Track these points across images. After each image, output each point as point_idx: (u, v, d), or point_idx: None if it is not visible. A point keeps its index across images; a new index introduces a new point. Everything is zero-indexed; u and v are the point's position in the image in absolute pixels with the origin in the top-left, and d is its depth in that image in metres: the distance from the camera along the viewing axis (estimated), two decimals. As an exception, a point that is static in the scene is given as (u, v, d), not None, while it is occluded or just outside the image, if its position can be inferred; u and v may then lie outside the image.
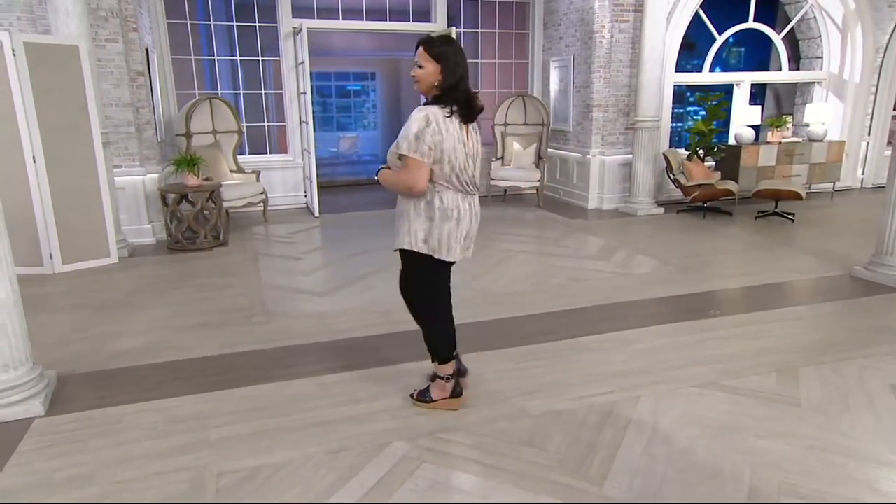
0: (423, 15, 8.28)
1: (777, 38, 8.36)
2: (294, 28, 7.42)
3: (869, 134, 8.74)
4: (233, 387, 3.05)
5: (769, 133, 8.02)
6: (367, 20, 8.11)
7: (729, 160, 7.54)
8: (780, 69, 8.59)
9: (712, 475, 2.31)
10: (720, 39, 7.96)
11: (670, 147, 7.95)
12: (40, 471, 2.33)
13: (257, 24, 7.68)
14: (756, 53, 9.61)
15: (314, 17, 7.76)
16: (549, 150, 8.26)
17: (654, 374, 3.17)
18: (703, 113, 7.62)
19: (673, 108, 8.21)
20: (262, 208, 7.14)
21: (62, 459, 2.41)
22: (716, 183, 6.97)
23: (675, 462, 2.39)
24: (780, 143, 7.77)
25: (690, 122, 10.56)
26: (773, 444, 2.50)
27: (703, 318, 3.96)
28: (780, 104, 9.55)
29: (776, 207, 6.98)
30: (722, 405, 2.84)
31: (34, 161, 4.76)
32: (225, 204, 6.42)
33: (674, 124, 8.92)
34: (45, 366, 3.12)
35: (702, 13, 7.69)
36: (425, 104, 2.53)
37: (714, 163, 7.70)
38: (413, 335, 3.67)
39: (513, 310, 4.16)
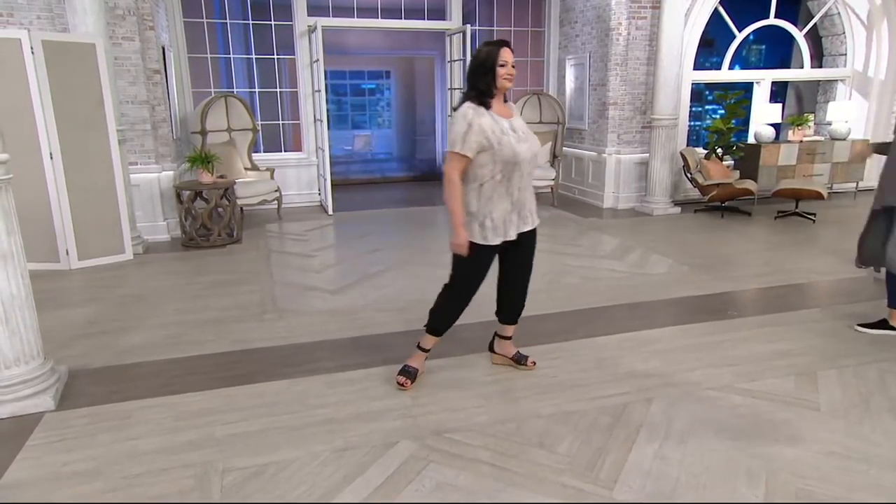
0: (439, 13, 8.25)
1: (799, 35, 8.19)
2: (309, 26, 7.44)
3: (894, 132, 8.50)
4: (243, 383, 3.04)
5: (790, 131, 7.86)
6: (381, 18, 8.10)
7: (748, 159, 7.40)
8: (802, 66, 8.42)
9: (726, 479, 2.25)
10: (740, 36, 7.82)
11: (688, 146, 7.83)
12: (48, 464, 2.34)
13: (272, 23, 7.70)
14: (777, 50, 9.45)
15: (329, 16, 7.77)
16: (565, 148, 8.18)
17: (668, 375, 3.11)
18: (722, 111, 7.50)
19: (691, 107, 8.09)
20: (276, 206, 7.16)
21: (70, 454, 2.41)
22: (734, 182, 6.85)
23: (687, 466, 2.33)
24: (802, 141, 7.62)
25: (709, 121, 10.41)
26: (790, 449, 2.43)
27: (720, 319, 3.88)
28: (801, 102, 9.37)
29: (797, 207, 6.84)
30: (738, 408, 2.77)
31: (51, 158, 4.81)
32: (239, 201, 6.45)
33: (692, 123, 8.80)
34: (57, 360, 3.16)
35: (721, 10, 7.56)
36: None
37: (733, 162, 7.56)
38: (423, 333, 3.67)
39: (526, 308, 4.09)
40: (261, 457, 2.41)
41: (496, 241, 2.78)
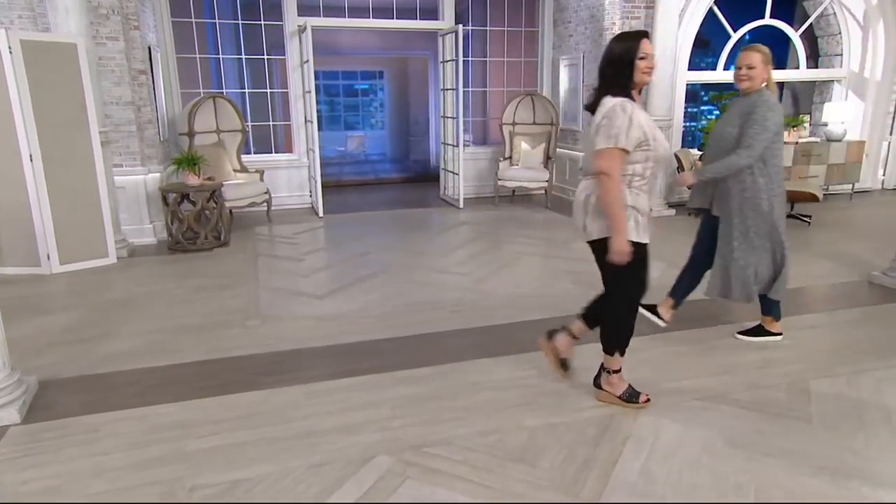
0: (431, 13, 8.16)
1: (795, 36, 8.12)
2: (299, 26, 7.35)
3: (891, 133, 8.45)
4: (219, 394, 2.95)
5: (785, 133, 7.78)
6: (373, 18, 8.01)
7: (743, 160, 7.32)
8: (797, 67, 8.34)
9: (714, 496, 2.17)
10: (735, 36, 7.74)
11: (683, 147, 7.75)
12: (8, 483, 2.25)
13: (262, 23, 7.61)
14: (773, 51, 9.35)
15: (320, 15, 7.68)
16: (559, 149, 8.10)
17: (657, 384, 3.02)
18: (718, 112, 7.42)
19: (686, 108, 8.01)
20: (265, 208, 7.07)
21: (33, 471, 2.32)
22: (729, 184, 6.76)
23: (674, 481, 2.25)
24: (797, 143, 7.54)
25: (705, 122, 10.33)
26: (780, 464, 2.35)
27: (712, 325, 3.80)
28: (797, 103, 9.29)
29: (792, 209, 6.76)
30: (727, 420, 2.69)
31: (31, 160, 4.71)
32: (228, 204, 6.36)
33: (687, 123, 8.73)
34: (29, 370, 3.07)
35: (716, 10, 7.49)
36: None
37: (728, 163, 7.47)
38: (410, 340, 3.59)
39: (514, 315, 4.03)
40: (232, 473, 2.32)
41: (647, 240, 2.61)
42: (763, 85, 3.20)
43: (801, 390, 2.94)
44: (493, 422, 2.69)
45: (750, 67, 3.15)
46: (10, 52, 4.48)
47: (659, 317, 3.68)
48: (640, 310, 3.55)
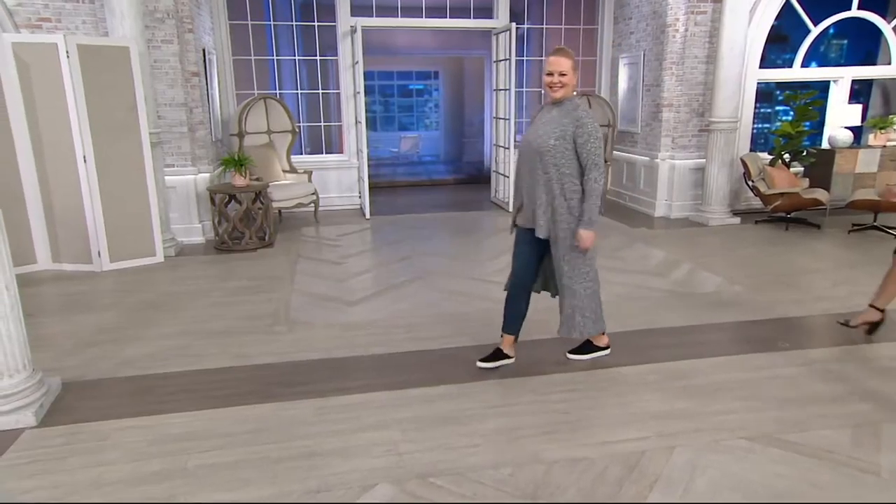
0: (486, 11, 7.96)
1: (887, 28, 7.36)
2: (351, 27, 7.33)
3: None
4: (230, 405, 2.89)
5: (871, 135, 7.08)
6: (426, 17, 7.89)
7: (820, 166, 6.71)
8: (889, 63, 7.57)
9: (750, 562, 1.89)
10: (815, 31, 7.10)
11: (755, 150, 7.20)
12: (9, 491, 2.24)
13: (316, 24, 7.65)
14: (862, 45, 8.57)
15: (373, 16, 7.64)
16: (615, 152, 7.72)
17: (698, 418, 2.73)
18: (792, 113, 6.83)
19: (759, 108, 7.44)
20: (313, 209, 7.09)
21: (36, 479, 2.31)
22: (801, 191, 6.20)
23: (704, 540, 1.98)
24: (885, 146, 6.83)
25: (778, 123, 9.59)
26: (834, 527, 2.03)
27: (769, 351, 3.43)
28: (888, 103, 8.45)
29: (875, 220, 6.12)
30: (776, 465, 2.37)
31: (85, 161, 4.87)
32: (275, 204, 6.41)
33: (759, 125, 8.11)
34: (56, 371, 3.12)
35: (794, 2, 6.89)
36: None
37: (802, 169, 6.88)
38: (433, 354, 3.43)
39: (549, 330, 3.77)
40: (227, 493, 2.23)
41: None
42: (574, 92, 2.97)
43: (871, 435, 2.57)
44: (508, 452, 2.49)
45: (562, 74, 2.88)
46: (68, 57, 4.64)
47: (506, 356, 3.29)
48: (482, 364, 3.25)
